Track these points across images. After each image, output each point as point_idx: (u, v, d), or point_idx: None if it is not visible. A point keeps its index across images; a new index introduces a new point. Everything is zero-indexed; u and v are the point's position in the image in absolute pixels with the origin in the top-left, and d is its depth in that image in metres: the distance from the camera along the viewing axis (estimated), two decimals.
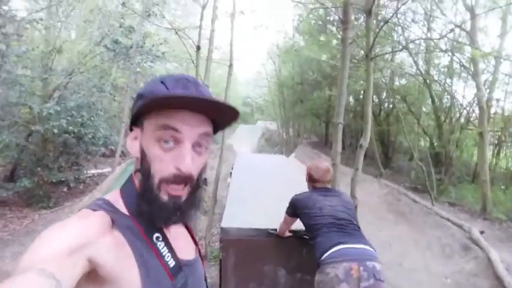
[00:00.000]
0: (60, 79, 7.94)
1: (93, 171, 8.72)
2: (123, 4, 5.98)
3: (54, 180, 7.08)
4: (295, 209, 2.20)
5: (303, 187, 2.40)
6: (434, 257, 5.62)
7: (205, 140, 0.66)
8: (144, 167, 0.64)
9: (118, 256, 0.59)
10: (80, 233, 0.55)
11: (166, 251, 0.66)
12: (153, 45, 7.65)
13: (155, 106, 0.61)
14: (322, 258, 1.83)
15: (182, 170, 0.62)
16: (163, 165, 0.62)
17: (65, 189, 7.68)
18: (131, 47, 6.98)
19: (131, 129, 0.69)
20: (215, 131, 0.71)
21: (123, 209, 0.66)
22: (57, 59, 8.38)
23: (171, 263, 0.66)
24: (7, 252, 5.00)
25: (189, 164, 0.62)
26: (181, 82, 0.65)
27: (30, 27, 7.44)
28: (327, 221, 1.97)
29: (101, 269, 0.56)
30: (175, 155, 0.62)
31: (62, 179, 7.46)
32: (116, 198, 0.68)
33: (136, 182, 0.68)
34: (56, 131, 6.38)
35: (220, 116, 0.67)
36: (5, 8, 6.48)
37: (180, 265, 0.68)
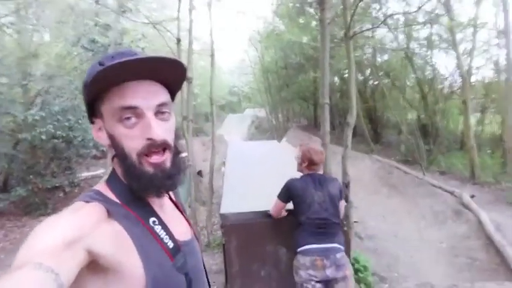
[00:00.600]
0: (40, 84, 7.76)
1: (86, 173, 8.65)
2: (97, 2, 5.83)
3: (49, 186, 7.02)
4: (289, 193, 2.32)
5: (295, 169, 2.46)
6: (428, 225, 5.84)
7: (166, 108, 0.66)
8: (118, 150, 0.65)
9: (117, 244, 0.59)
10: (75, 225, 0.55)
11: (164, 233, 0.68)
12: (132, 41, 7.51)
13: (99, 86, 0.61)
14: (297, 250, 2.26)
15: (154, 138, 0.62)
16: (134, 141, 0.63)
17: (61, 194, 7.63)
18: (109, 45, 6.84)
19: (92, 122, 0.69)
20: (172, 94, 0.71)
21: (114, 198, 0.67)
22: (35, 63, 8.17)
23: (170, 244, 0.68)
24: (12, 260, 5.01)
25: (158, 130, 0.62)
26: (116, 56, 0.64)
27: (0, 32, 7.22)
28: (309, 220, 2.25)
29: (101, 259, 0.56)
30: (141, 127, 0.63)
31: (57, 185, 7.41)
32: (104, 189, 0.68)
33: (118, 167, 0.69)
34: (44, 137, 6.30)
35: (169, 75, 0.66)
36: None
37: (178, 246, 0.69)
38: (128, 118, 0.62)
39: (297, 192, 2.28)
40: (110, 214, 0.62)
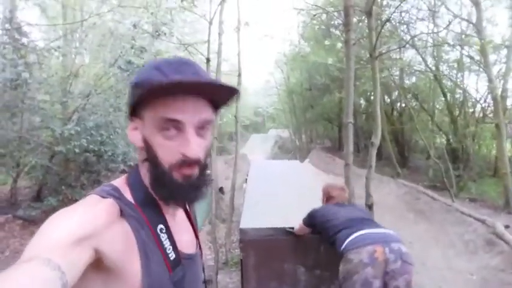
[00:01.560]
0: (78, 101, 8.31)
1: None
2: (134, 26, 6.28)
3: (78, 198, 7.37)
4: (313, 219, 2.26)
5: (316, 190, 2.50)
6: (457, 254, 5.52)
7: (207, 125, 0.66)
8: (151, 156, 0.64)
9: (123, 246, 0.59)
10: (88, 222, 0.55)
11: (169, 243, 0.67)
12: None
13: (152, 95, 0.60)
14: (344, 246, 1.76)
15: (188, 156, 0.62)
16: (169, 153, 0.62)
17: None
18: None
19: (131, 120, 0.68)
20: (216, 109, 0.70)
21: (130, 198, 0.66)
22: (74, 82, 8.82)
23: (172, 255, 0.66)
24: None
25: (195, 149, 0.62)
26: (176, 66, 0.63)
27: (48, 55, 7.90)
28: (342, 220, 1.98)
29: (107, 259, 0.56)
30: (180, 141, 0.62)
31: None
32: (122, 186, 0.67)
33: (144, 171, 0.68)
34: (77, 150, 6.68)
35: (219, 95, 0.66)
36: (26, 39, 6.93)
37: (179, 259, 0.68)
38: (168, 129, 0.62)
39: (319, 213, 2.20)
40: (122, 214, 0.62)
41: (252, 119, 30.81)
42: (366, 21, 9.96)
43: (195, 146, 0.62)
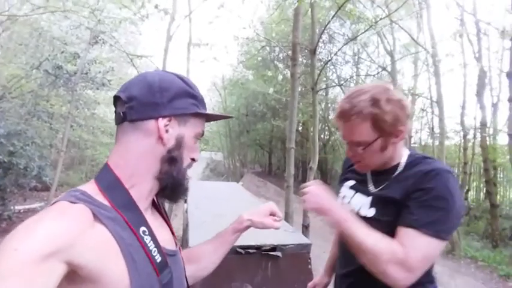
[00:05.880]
0: None
1: (20, 206, 7.73)
2: (74, 28, 5.80)
3: None
4: None
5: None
6: None
7: None
8: (179, 154, 0.71)
9: (101, 253, 0.56)
10: (56, 235, 0.51)
11: (153, 245, 0.65)
12: (100, 72, 7.43)
13: (202, 117, 0.77)
14: None
15: (195, 160, 0.77)
16: (188, 156, 0.74)
17: None
18: (75, 73, 6.70)
19: (164, 117, 0.69)
20: None
21: (105, 201, 0.63)
22: None
23: (158, 258, 0.65)
24: None
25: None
26: (203, 100, 0.79)
27: None
28: None
29: (82, 269, 0.53)
30: (194, 148, 0.76)
31: None
32: (93, 190, 0.64)
33: (123, 171, 0.67)
34: None
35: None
36: None
37: (166, 261, 0.68)
38: (199, 139, 0.78)
39: None
40: (95, 217, 0.58)
41: None
42: (301, 58, 11.02)
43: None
